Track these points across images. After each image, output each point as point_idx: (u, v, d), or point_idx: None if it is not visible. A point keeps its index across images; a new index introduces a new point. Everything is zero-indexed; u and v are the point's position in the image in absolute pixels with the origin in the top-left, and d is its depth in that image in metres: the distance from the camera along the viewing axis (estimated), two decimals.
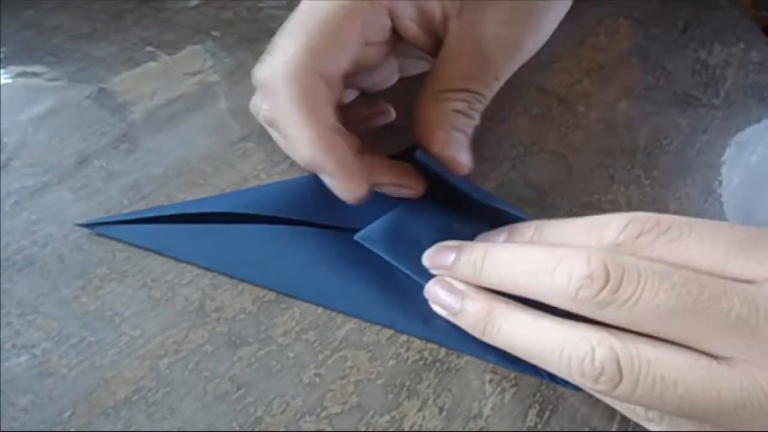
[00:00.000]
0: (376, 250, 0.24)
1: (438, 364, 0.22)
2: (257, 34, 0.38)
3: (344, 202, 0.24)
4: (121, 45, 0.36)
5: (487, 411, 0.20)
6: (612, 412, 0.20)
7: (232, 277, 0.24)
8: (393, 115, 0.26)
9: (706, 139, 0.32)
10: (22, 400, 0.20)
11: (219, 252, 0.24)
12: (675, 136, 0.32)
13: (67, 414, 0.20)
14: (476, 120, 0.25)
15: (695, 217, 0.18)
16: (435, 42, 0.25)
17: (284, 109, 0.21)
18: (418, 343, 0.22)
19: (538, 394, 0.21)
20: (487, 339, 0.20)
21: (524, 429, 0.20)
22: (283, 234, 0.24)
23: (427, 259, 0.22)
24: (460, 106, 0.24)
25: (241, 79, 0.34)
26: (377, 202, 0.25)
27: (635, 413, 0.18)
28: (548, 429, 0.20)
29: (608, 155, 0.30)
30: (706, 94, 0.35)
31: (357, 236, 0.24)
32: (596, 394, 0.19)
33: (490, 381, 0.21)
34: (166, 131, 0.30)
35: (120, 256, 0.24)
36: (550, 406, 0.21)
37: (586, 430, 0.20)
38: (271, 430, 0.20)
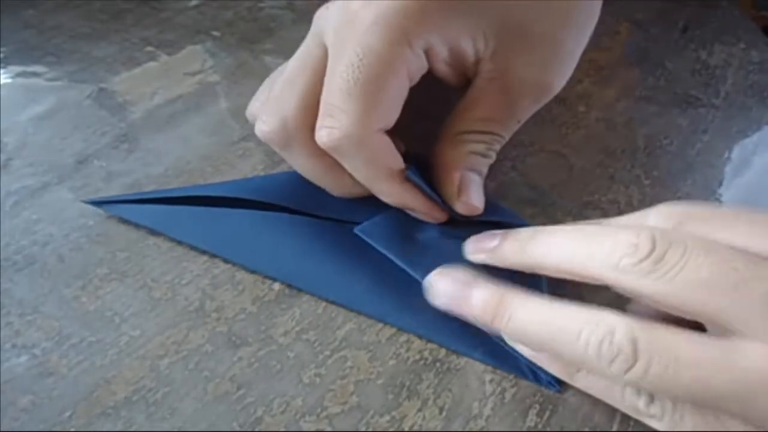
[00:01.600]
0: (374, 244, 0.24)
1: (438, 364, 0.22)
2: (257, 34, 0.38)
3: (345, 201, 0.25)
4: (121, 45, 0.36)
5: (487, 411, 0.20)
6: (612, 412, 0.20)
7: (230, 261, 0.24)
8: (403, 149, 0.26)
9: (707, 139, 0.32)
10: (22, 400, 0.20)
11: (218, 235, 0.24)
12: (675, 136, 0.32)
13: (67, 414, 0.20)
14: (492, 159, 0.25)
15: None
16: (463, 80, 0.25)
17: (362, 169, 0.23)
18: (418, 343, 0.22)
19: (539, 394, 0.21)
20: (495, 327, 0.19)
21: (524, 429, 0.20)
22: (284, 221, 0.25)
23: (471, 243, 0.23)
24: (479, 147, 0.25)
25: (241, 79, 0.34)
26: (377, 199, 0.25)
27: (637, 410, 0.18)
28: (548, 429, 0.20)
29: (608, 155, 0.30)
30: (707, 94, 0.35)
31: (357, 229, 0.25)
32: (605, 379, 0.19)
33: (491, 381, 0.21)
34: (166, 131, 0.30)
35: (120, 256, 0.24)
36: (551, 406, 0.21)
37: (587, 430, 0.20)
38: (271, 430, 0.20)
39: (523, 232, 0.21)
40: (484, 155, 0.25)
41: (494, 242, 0.22)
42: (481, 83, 0.24)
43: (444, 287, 0.21)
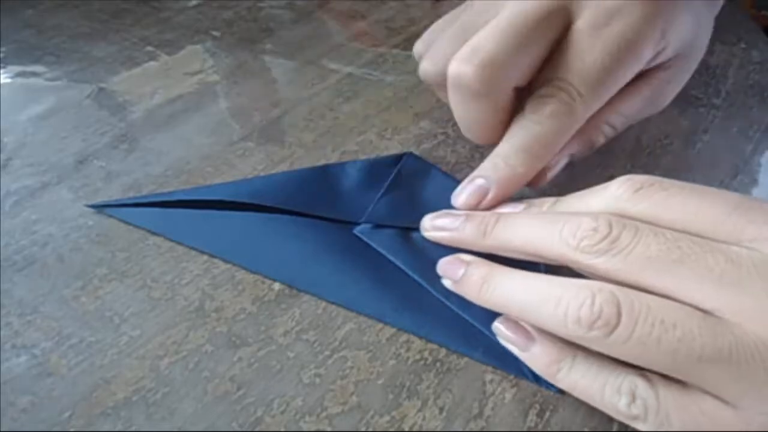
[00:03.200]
0: (373, 245, 0.24)
1: (438, 364, 0.22)
2: (257, 34, 0.38)
3: (344, 196, 0.25)
4: (120, 45, 0.36)
5: (487, 411, 0.20)
6: None
7: (230, 262, 0.24)
8: None
9: (707, 138, 0.32)
10: (22, 400, 0.20)
11: (219, 238, 0.25)
12: (675, 136, 0.32)
13: (67, 414, 0.20)
14: None
15: None
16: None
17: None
18: (418, 343, 0.22)
19: (539, 394, 0.21)
20: (482, 299, 0.20)
21: (524, 429, 0.20)
22: (284, 223, 0.25)
23: (428, 220, 0.24)
24: (602, 139, 0.27)
25: (241, 79, 0.34)
26: (375, 197, 0.26)
27: (617, 411, 0.18)
28: (548, 429, 0.20)
29: (608, 155, 0.30)
30: (707, 93, 0.35)
31: (356, 230, 0.25)
32: (587, 346, 0.18)
33: (491, 381, 0.21)
34: (166, 131, 0.30)
35: (120, 256, 0.24)
36: (551, 406, 0.21)
37: (587, 430, 0.20)
38: (271, 430, 0.20)
39: (486, 216, 0.22)
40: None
41: (456, 223, 0.22)
42: (652, 77, 0.26)
43: (446, 267, 0.22)
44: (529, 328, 0.20)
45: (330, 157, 0.29)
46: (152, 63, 0.35)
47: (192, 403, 0.20)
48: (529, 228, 0.20)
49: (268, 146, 0.30)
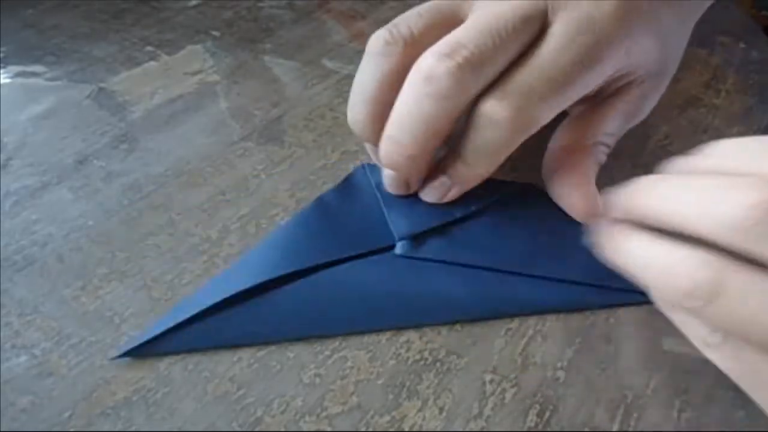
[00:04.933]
0: (422, 257, 0.24)
1: (438, 364, 0.22)
2: (257, 34, 0.38)
3: (359, 229, 0.24)
4: (120, 45, 0.36)
5: (487, 411, 0.20)
6: (612, 411, 0.20)
7: (300, 339, 0.22)
8: None
9: (707, 139, 0.32)
10: (22, 400, 0.20)
11: (274, 323, 0.22)
12: (675, 136, 0.32)
13: (67, 414, 0.20)
14: None
15: None
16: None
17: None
18: (418, 343, 0.22)
19: (539, 394, 0.21)
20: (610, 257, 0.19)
21: (524, 429, 0.20)
22: (328, 277, 0.23)
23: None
24: (603, 157, 0.26)
25: (241, 79, 0.34)
26: (378, 216, 0.25)
27: (696, 334, 0.17)
28: (548, 429, 0.20)
29: (608, 155, 0.30)
30: (707, 93, 0.35)
31: (398, 252, 0.24)
32: (687, 312, 0.16)
33: (491, 381, 0.21)
34: (166, 131, 0.30)
35: (120, 256, 0.24)
36: (551, 406, 0.21)
37: (587, 430, 0.20)
38: (271, 430, 0.20)
39: (626, 188, 0.19)
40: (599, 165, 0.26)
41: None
42: (626, 95, 0.26)
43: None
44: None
45: (330, 157, 0.29)
46: (152, 63, 0.35)
47: (192, 403, 0.20)
48: (678, 197, 0.17)
49: (268, 146, 0.30)
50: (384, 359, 0.22)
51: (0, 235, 0.25)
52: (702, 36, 0.39)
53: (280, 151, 0.29)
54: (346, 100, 0.33)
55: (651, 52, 0.25)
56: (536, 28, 0.22)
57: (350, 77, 0.34)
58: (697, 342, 0.17)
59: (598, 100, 0.26)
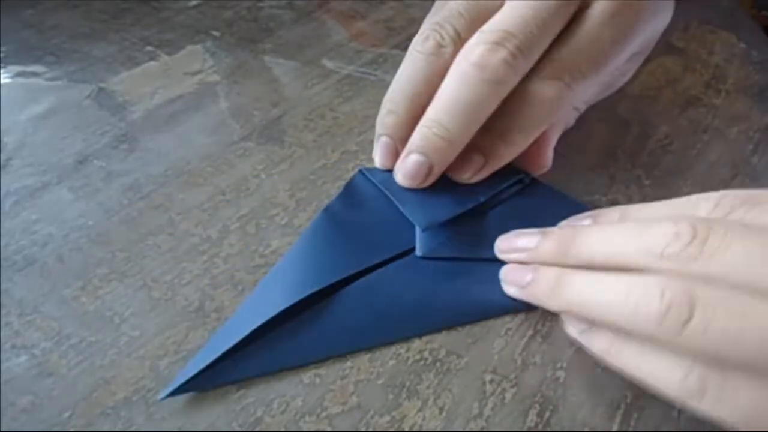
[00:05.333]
0: (446, 255, 0.24)
1: (438, 364, 0.22)
2: (257, 34, 0.38)
3: (375, 236, 0.24)
4: (120, 45, 0.36)
5: (487, 411, 0.20)
6: (612, 411, 0.20)
7: (341, 355, 0.22)
8: None
9: (707, 139, 0.32)
10: (22, 400, 0.20)
11: (313, 342, 0.22)
12: (675, 136, 0.32)
13: (67, 414, 0.20)
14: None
15: None
16: None
17: None
18: (418, 343, 0.22)
19: (538, 394, 0.21)
20: (553, 303, 0.20)
21: (524, 429, 0.20)
22: (357, 290, 0.23)
23: (503, 241, 0.23)
24: (572, 122, 0.27)
25: (241, 79, 0.34)
26: (394, 219, 0.25)
27: (671, 385, 0.17)
28: (548, 429, 0.20)
29: (608, 155, 0.30)
30: (707, 94, 0.35)
31: (419, 253, 0.24)
32: (662, 344, 0.17)
33: (491, 381, 0.21)
34: (166, 131, 0.30)
35: (120, 256, 0.24)
36: (551, 406, 0.21)
37: (587, 430, 0.20)
38: (271, 430, 0.20)
39: (563, 232, 0.21)
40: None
41: (533, 242, 0.22)
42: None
43: (512, 275, 0.22)
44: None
45: (330, 157, 0.29)
46: (152, 63, 0.35)
47: (192, 403, 0.20)
48: (609, 241, 0.19)
49: (268, 146, 0.30)
50: (384, 359, 0.22)
51: (0, 235, 0.25)
52: (702, 36, 0.39)
53: (280, 151, 0.29)
54: (346, 100, 0.33)
55: (657, 30, 0.27)
56: (574, 7, 0.23)
57: (350, 77, 0.34)
58: (678, 393, 0.17)
59: None
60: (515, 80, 0.23)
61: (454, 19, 0.24)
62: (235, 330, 0.21)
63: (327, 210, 0.26)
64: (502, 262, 0.23)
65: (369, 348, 0.22)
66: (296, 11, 0.40)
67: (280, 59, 0.36)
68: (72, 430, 0.19)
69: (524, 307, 0.23)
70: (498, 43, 0.22)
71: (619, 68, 0.27)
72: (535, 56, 0.23)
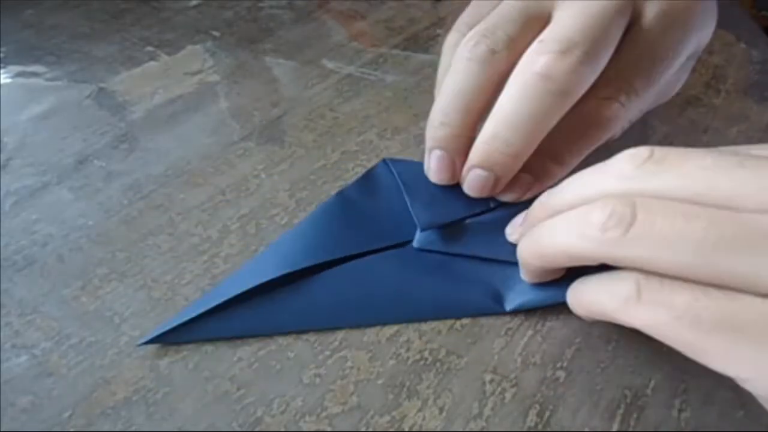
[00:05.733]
0: (440, 250, 0.24)
1: (438, 364, 0.22)
2: (257, 34, 0.38)
3: (381, 223, 0.25)
4: (121, 45, 0.36)
5: (487, 411, 0.20)
6: (612, 411, 0.20)
7: (325, 328, 0.22)
8: None
9: (707, 139, 0.32)
10: (22, 400, 0.20)
11: (298, 312, 0.22)
12: (675, 136, 0.32)
13: (67, 414, 0.20)
14: None
15: None
16: None
17: None
18: (418, 342, 0.22)
19: (539, 394, 0.21)
20: (529, 236, 0.20)
21: (524, 429, 0.20)
22: (350, 271, 0.23)
23: (509, 226, 0.24)
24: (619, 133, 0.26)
25: (241, 79, 0.34)
26: (401, 209, 0.25)
27: (615, 293, 0.17)
28: (548, 429, 0.20)
29: (608, 155, 0.30)
30: (707, 94, 0.35)
31: (415, 245, 0.24)
32: (609, 257, 0.17)
33: (491, 381, 0.21)
34: (166, 131, 0.30)
35: (120, 256, 0.24)
36: (551, 406, 0.21)
37: (587, 430, 0.20)
38: (271, 430, 0.20)
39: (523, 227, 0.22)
40: None
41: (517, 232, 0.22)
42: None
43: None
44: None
45: (330, 157, 0.29)
46: (152, 63, 0.35)
47: (192, 403, 0.20)
48: (578, 186, 0.19)
49: (268, 146, 0.30)
50: (384, 359, 0.22)
51: (0, 235, 0.25)
52: None
53: (280, 151, 0.29)
54: (346, 100, 0.33)
55: (706, 38, 0.26)
56: (628, 19, 0.23)
57: (350, 77, 0.34)
58: (612, 300, 0.17)
59: None
60: (581, 91, 0.22)
61: (505, 23, 0.23)
62: (223, 291, 0.22)
63: (341, 193, 0.26)
64: (499, 261, 0.23)
65: (347, 328, 0.22)
66: (296, 11, 0.40)
67: (280, 59, 0.36)
68: (72, 430, 0.19)
69: (514, 309, 0.23)
70: (564, 52, 0.21)
71: (671, 77, 0.26)
72: (601, 66, 0.22)
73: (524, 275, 0.23)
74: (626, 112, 0.23)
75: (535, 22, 0.23)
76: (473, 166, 0.23)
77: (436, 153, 0.24)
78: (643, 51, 0.23)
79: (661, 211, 0.15)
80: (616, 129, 0.24)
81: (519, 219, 0.23)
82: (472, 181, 0.23)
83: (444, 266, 0.24)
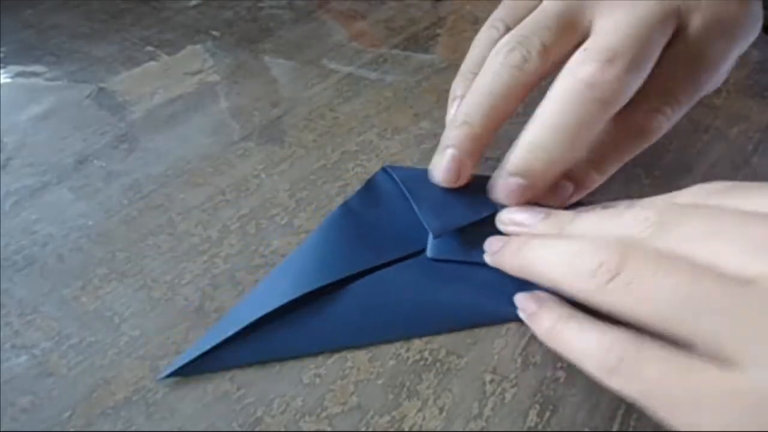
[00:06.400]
0: (456, 257, 0.24)
1: (438, 364, 0.22)
2: (257, 34, 0.38)
3: (390, 235, 0.24)
4: (121, 45, 0.36)
5: (487, 411, 0.20)
6: (613, 412, 0.20)
7: (347, 348, 0.22)
8: None
9: (707, 138, 0.32)
10: (22, 400, 0.20)
11: (318, 333, 0.22)
12: (675, 136, 0.32)
13: (67, 414, 0.20)
14: None
15: None
16: None
17: None
18: (418, 343, 0.22)
19: (539, 394, 0.21)
20: (512, 261, 0.21)
21: (524, 429, 0.20)
22: (366, 286, 0.23)
23: (506, 213, 0.23)
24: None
25: (241, 79, 0.34)
26: (410, 218, 0.25)
27: (596, 360, 0.17)
28: (548, 429, 0.20)
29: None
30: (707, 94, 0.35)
31: (429, 255, 0.24)
32: (593, 303, 0.18)
33: (491, 381, 0.21)
34: (166, 131, 0.30)
35: (120, 256, 0.24)
36: (551, 406, 0.21)
37: (587, 430, 0.20)
38: (271, 430, 0.20)
39: (561, 216, 0.21)
40: None
41: (533, 220, 0.22)
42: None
43: (492, 245, 0.23)
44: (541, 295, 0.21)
45: (330, 157, 0.29)
46: (152, 63, 0.35)
47: (192, 403, 0.20)
48: (595, 223, 0.20)
49: (268, 146, 0.30)
50: (384, 359, 0.22)
51: (0, 235, 0.25)
52: None
53: (280, 151, 0.29)
54: (346, 100, 0.33)
55: (749, 41, 0.26)
56: (673, 28, 0.23)
57: (350, 77, 0.34)
58: (598, 370, 0.17)
59: None
60: (624, 101, 0.22)
61: (541, 31, 0.23)
62: (240, 317, 0.21)
63: (345, 205, 0.26)
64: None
65: (369, 345, 0.22)
66: (296, 11, 0.40)
67: (280, 59, 0.36)
68: (72, 430, 0.19)
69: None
70: (609, 60, 0.21)
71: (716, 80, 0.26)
72: (644, 76, 0.22)
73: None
74: (669, 123, 0.24)
75: (571, 31, 0.23)
76: (511, 174, 0.23)
77: (450, 151, 0.24)
78: (688, 62, 0.23)
79: (648, 267, 0.16)
80: (658, 137, 0.24)
81: (496, 245, 0.23)
82: (507, 187, 0.23)
83: (461, 275, 0.24)
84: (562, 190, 0.24)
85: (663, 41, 0.22)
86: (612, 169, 0.24)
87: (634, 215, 0.18)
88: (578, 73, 0.21)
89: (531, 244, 0.20)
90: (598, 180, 0.24)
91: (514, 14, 0.26)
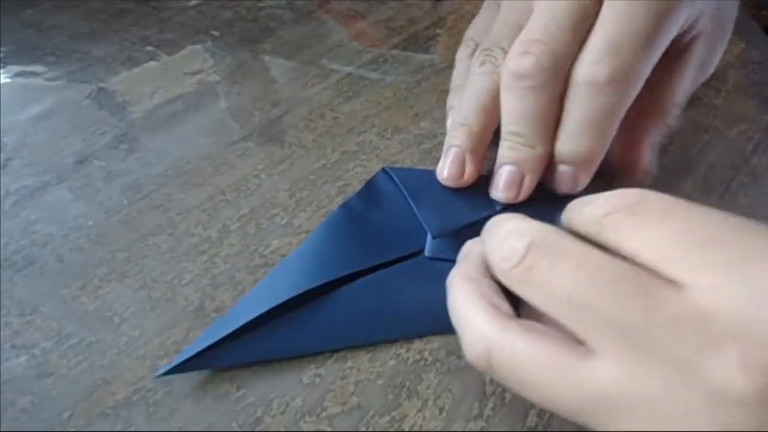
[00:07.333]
0: (452, 258, 0.23)
1: (438, 364, 0.22)
2: (257, 34, 0.38)
3: (388, 236, 0.25)
4: (120, 45, 0.36)
5: (487, 411, 0.20)
6: None
7: (341, 348, 0.22)
8: None
9: (707, 139, 0.32)
10: (22, 401, 0.20)
11: (315, 333, 0.22)
12: (675, 136, 0.32)
13: (67, 414, 0.20)
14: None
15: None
16: None
17: None
18: (418, 343, 0.22)
19: None
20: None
21: (524, 429, 0.20)
22: (365, 286, 0.23)
23: (467, 246, 0.23)
24: (675, 122, 0.28)
25: (241, 79, 0.34)
26: (410, 218, 0.25)
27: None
28: (548, 429, 0.20)
29: (608, 155, 0.30)
30: (707, 94, 0.35)
31: (427, 254, 0.24)
32: (512, 288, 0.18)
33: (491, 381, 0.21)
34: (166, 131, 0.30)
35: (120, 256, 0.24)
36: None
37: (586, 430, 0.20)
38: (271, 430, 0.20)
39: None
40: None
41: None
42: (695, 49, 0.26)
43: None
44: None
45: (330, 157, 0.29)
46: (152, 63, 0.35)
47: (192, 403, 0.20)
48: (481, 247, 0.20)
49: (268, 146, 0.30)
50: (384, 359, 0.22)
51: (0, 235, 0.25)
52: None
53: (280, 151, 0.29)
54: (346, 100, 0.33)
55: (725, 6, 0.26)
56: (598, 5, 0.23)
57: (350, 77, 0.34)
58: (475, 360, 0.18)
59: (667, 62, 0.26)
60: (557, 78, 0.23)
61: (500, 41, 0.25)
62: (239, 315, 0.21)
63: (345, 205, 0.26)
64: None
65: (367, 345, 0.22)
66: (296, 11, 0.40)
67: (280, 59, 0.36)
68: (72, 430, 0.19)
69: None
70: (526, 51, 0.23)
71: (703, 45, 0.26)
72: (565, 53, 0.23)
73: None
74: (627, 71, 0.23)
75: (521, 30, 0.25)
76: (501, 164, 0.24)
77: (453, 150, 0.25)
78: (626, 12, 0.23)
79: (552, 251, 0.17)
80: (626, 92, 0.24)
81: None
82: (503, 178, 0.24)
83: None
84: (561, 174, 0.25)
85: (585, 20, 0.23)
86: (593, 137, 0.25)
87: (503, 240, 0.18)
88: (508, 68, 0.23)
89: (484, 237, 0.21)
90: (588, 151, 0.25)
91: (482, 27, 0.28)
